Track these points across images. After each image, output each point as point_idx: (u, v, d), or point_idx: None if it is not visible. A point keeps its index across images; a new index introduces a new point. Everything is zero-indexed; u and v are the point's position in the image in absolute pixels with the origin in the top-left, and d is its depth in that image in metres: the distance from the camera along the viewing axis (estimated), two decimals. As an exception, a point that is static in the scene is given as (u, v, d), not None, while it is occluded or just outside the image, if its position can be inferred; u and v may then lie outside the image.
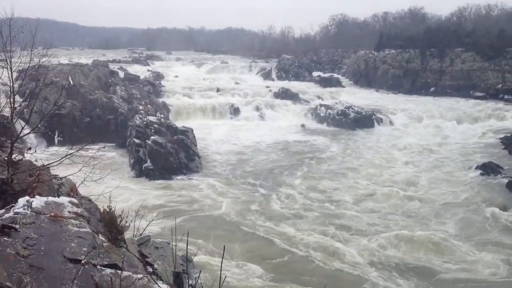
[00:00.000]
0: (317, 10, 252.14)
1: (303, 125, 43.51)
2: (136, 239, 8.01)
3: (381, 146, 35.66)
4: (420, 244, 18.16)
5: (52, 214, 6.22)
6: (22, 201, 6.30)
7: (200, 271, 8.26)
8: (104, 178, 9.95)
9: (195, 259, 14.48)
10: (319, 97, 54.78)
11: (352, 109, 45.01)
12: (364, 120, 43.72)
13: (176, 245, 5.71)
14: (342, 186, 25.49)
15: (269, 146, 35.20)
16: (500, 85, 58.40)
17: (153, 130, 30.00)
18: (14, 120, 9.40)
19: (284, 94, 52.38)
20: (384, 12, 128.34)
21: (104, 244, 6.24)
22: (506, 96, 55.82)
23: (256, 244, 18.26)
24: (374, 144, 36.29)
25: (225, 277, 4.18)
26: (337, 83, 67.44)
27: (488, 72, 60.64)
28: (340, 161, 31.10)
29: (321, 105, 47.27)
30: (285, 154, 32.78)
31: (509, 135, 36.12)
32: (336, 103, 47.72)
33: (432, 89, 63.37)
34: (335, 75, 76.38)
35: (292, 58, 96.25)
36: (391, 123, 44.95)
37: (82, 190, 10.57)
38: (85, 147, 10.12)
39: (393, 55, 70.37)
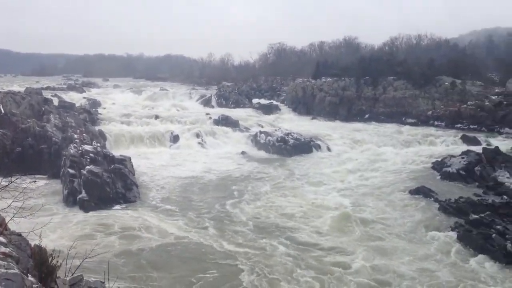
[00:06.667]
0: (256, 39, 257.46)
1: (243, 152, 43.62)
2: (68, 279, 7.64)
3: (319, 171, 36.21)
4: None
5: (-24, 256, 5.84)
6: None
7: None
8: (35, 214, 9.52)
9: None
10: (259, 124, 55.30)
11: (291, 135, 45.66)
12: (303, 147, 44.38)
13: (110, 286, 5.47)
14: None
15: (209, 174, 34.84)
16: (431, 111, 61.43)
17: (88, 160, 29.11)
18: None
19: (224, 121, 52.51)
20: (320, 42, 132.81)
21: (33, 286, 5.91)
22: (436, 122, 59.11)
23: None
24: (312, 170, 36.76)
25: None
26: (277, 110, 68.47)
27: (419, 99, 63.73)
28: (281, 186, 31.25)
29: (261, 132, 47.68)
30: (225, 182, 32.54)
31: (439, 159, 37.63)
32: (276, 130, 48.34)
33: (366, 115, 65.56)
34: (275, 102, 77.54)
35: (232, 85, 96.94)
36: (328, 149, 45.84)
37: (12, 225, 10.05)
38: (16, 180, 9.67)
39: (330, 83, 72.27)
